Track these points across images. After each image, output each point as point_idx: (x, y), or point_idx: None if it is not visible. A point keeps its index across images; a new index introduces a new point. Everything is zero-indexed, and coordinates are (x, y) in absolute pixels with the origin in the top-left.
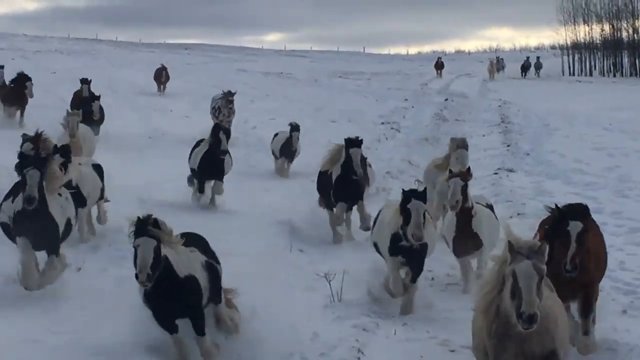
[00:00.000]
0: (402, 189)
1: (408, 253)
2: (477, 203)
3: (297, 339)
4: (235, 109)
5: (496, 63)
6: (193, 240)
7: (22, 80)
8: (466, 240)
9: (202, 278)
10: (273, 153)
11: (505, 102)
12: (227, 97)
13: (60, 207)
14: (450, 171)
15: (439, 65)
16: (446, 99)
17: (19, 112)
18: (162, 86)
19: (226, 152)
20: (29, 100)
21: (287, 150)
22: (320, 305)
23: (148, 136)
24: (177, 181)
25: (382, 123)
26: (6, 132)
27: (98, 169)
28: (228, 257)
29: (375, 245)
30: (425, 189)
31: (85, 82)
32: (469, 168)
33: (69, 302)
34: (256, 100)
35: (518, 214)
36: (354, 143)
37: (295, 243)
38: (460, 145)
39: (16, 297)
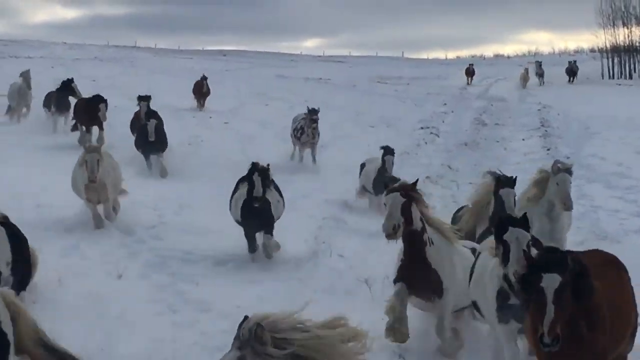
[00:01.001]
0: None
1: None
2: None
3: None
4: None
5: (537, 68)
6: None
7: (96, 101)
8: (416, 275)
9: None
10: (364, 188)
11: (545, 106)
12: (311, 116)
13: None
14: (387, 186)
15: (470, 72)
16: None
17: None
18: (202, 100)
19: (260, 199)
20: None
21: (382, 183)
22: (360, 310)
23: (188, 143)
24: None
25: (421, 128)
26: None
27: None
28: (270, 263)
29: (475, 304)
30: (525, 213)
31: (143, 99)
32: (415, 182)
33: (109, 309)
34: (295, 106)
35: None
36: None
37: (335, 248)
38: (563, 168)
39: (54, 301)
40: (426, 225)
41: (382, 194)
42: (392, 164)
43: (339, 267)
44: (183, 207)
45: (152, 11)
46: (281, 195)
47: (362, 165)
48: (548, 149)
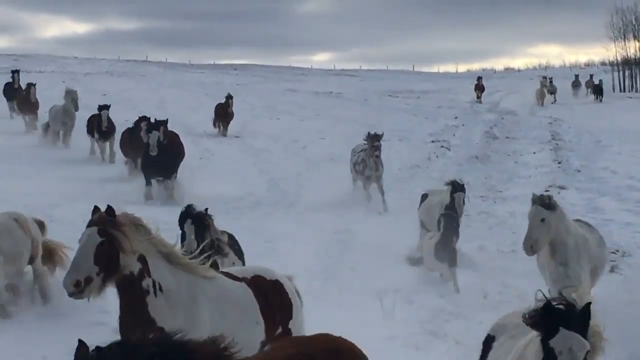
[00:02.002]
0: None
1: None
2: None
3: None
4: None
5: (549, 85)
6: None
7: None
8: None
9: None
10: (422, 224)
11: (556, 119)
12: (372, 142)
13: None
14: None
15: (480, 87)
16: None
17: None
18: (223, 124)
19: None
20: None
21: (452, 221)
22: (371, 324)
23: (199, 157)
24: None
25: (432, 141)
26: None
27: None
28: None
29: None
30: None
31: (151, 126)
32: (110, 210)
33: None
34: (306, 119)
35: None
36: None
37: (346, 262)
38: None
39: (67, 316)
40: (152, 264)
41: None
42: (464, 202)
43: (350, 281)
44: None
45: (162, 26)
46: (240, 253)
47: (424, 196)
48: (559, 162)
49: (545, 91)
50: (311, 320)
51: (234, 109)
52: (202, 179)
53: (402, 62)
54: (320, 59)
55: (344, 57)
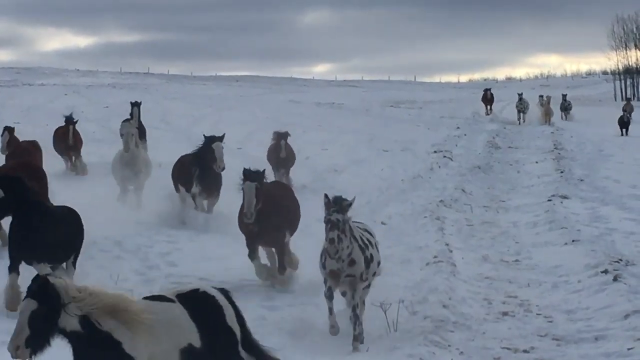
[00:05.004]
0: None
1: None
2: None
3: None
4: None
5: (563, 100)
6: None
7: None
8: None
9: None
10: None
11: (558, 129)
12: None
13: None
14: None
15: (489, 99)
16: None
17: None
18: (283, 170)
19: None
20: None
21: None
22: (375, 335)
23: None
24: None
25: (435, 152)
26: None
27: None
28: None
29: None
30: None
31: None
32: None
33: None
34: (308, 130)
35: (573, 241)
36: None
37: None
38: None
39: None
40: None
41: None
42: None
43: None
44: (198, 233)
45: (164, 38)
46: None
47: None
48: (562, 172)
49: (551, 108)
50: (316, 330)
51: (235, 119)
52: None
53: (403, 73)
54: (321, 70)
55: (344, 68)
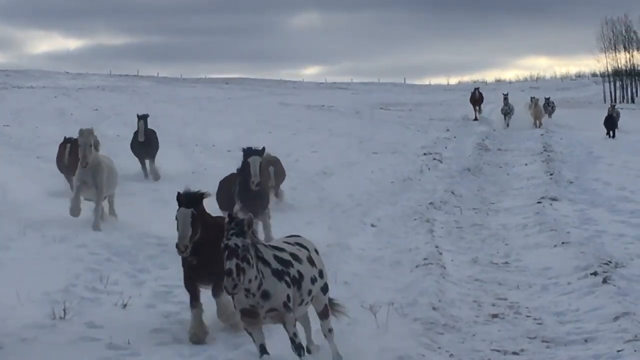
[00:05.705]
0: None
1: None
2: None
3: None
4: None
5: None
6: None
7: None
8: None
9: None
10: None
11: (548, 131)
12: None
13: None
14: None
15: (477, 99)
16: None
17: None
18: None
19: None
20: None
21: None
22: (365, 338)
23: (191, 171)
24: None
25: (425, 154)
26: None
27: None
28: None
29: None
30: None
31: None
32: None
33: (115, 339)
34: (298, 133)
35: (563, 243)
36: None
37: (340, 275)
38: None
39: (58, 332)
40: None
41: None
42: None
43: (344, 294)
44: None
45: (153, 41)
46: None
47: None
48: (551, 174)
49: (542, 110)
50: (303, 333)
51: (224, 121)
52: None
53: (392, 75)
54: (311, 72)
55: (334, 70)
